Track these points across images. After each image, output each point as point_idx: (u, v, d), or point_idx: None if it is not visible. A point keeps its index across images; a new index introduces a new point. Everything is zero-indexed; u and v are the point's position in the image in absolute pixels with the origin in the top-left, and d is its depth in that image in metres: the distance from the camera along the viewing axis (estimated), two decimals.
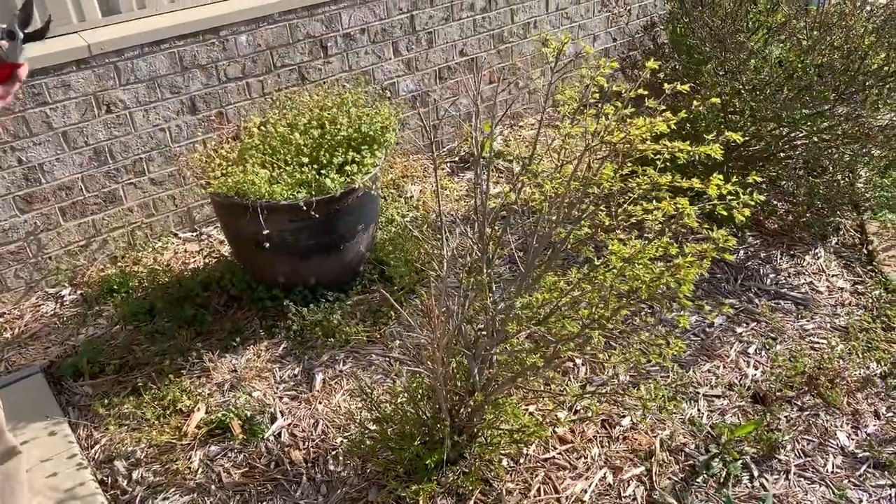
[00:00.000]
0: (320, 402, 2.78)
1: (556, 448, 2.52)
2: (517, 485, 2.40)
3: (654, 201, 2.10)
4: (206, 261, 3.53)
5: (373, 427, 2.48)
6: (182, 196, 3.77)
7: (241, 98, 3.74)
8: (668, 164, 2.04)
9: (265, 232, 2.80)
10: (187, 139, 3.66)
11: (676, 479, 2.40)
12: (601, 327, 1.95)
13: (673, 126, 1.98)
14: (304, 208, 2.79)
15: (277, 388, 2.86)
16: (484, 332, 2.35)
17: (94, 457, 2.62)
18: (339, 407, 2.75)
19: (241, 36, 3.62)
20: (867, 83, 3.00)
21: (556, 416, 2.62)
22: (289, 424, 2.69)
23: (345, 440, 2.59)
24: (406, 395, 2.34)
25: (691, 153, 1.84)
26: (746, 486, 2.36)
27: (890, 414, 2.60)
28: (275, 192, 2.78)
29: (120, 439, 2.67)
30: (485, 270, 2.41)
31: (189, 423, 2.69)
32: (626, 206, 2.12)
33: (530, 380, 2.32)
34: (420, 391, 2.34)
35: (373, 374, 2.88)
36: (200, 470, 2.54)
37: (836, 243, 3.55)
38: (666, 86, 2.02)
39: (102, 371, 3.00)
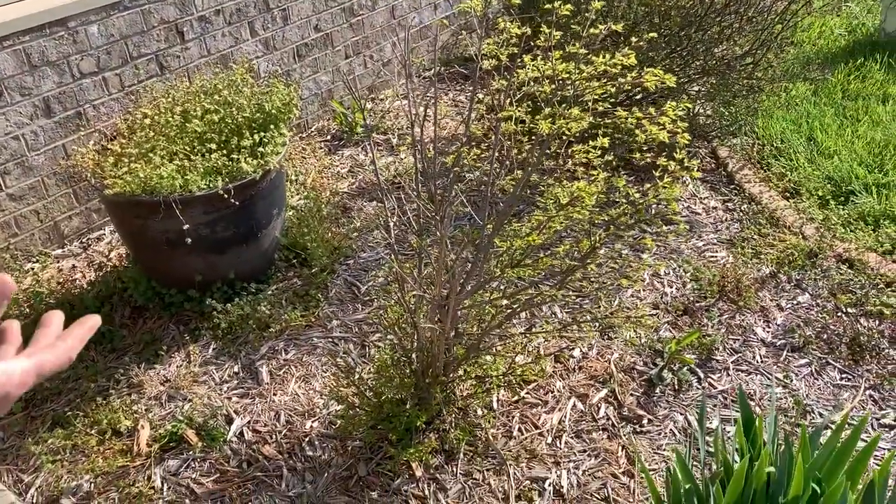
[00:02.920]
0: (274, 394, 2.67)
1: (522, 388, 2.62)
2: (498, 429, 2.48)
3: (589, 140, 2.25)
4: (96, 274, 3.22)
5: (355, 400, 2.43)
6: (47, 210, 3.40)
7: (99, 95, 3.42)
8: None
9: (185, 227, 2.62)
10: (46, 145, 3.30)
11: (638, 394, 2.59)
12: (584, 260, 2.06)
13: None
14: (225, 196, 2.64)
15: (221, 390, 2.71)
16: (448, 289, 2.38)
17: (33, 503, 2.35)
18: (297, 394, 2.66)
19: (92, 26, 3.31)
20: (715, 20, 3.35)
21: (512, 359, 2.72)
22: (248, 422, 2.57)
23: (316, 423, 2.52)
24: (393, 360, 2.32)
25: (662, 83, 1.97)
26: (697, 388, 2.61)
27: (789, 306, 2.96)
28: (189, 182, 2.61)
29: (59, 476, 2.41)
30: (440, 230, 2.43)
31: (138, 442, 2.48)
32: (570, 148, 2.23)
33: (504, 326, 2.39)
34: (405, 356, 2.33)
35: (320, 357, 2.81)
36: (166, 487, 2.36)
37: (697, 170, 3.93)
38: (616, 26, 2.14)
39: (9, 412, 2.66)
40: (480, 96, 4.39)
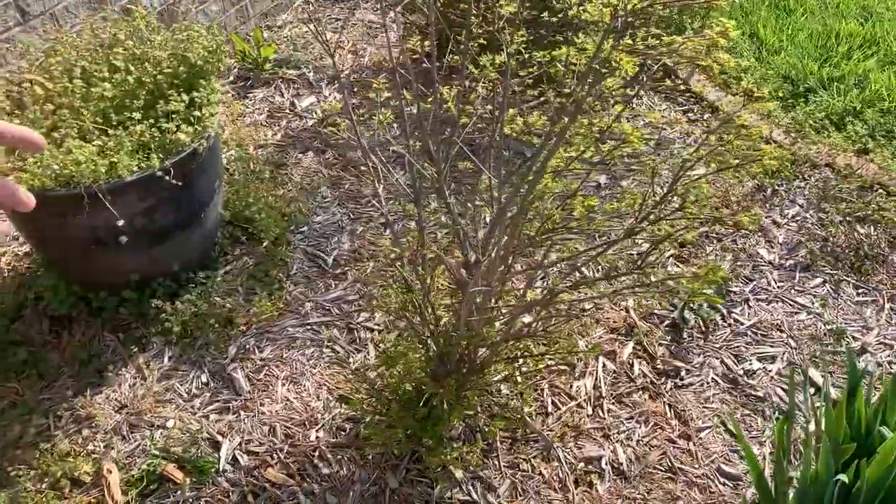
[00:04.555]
0: (261, 404, 2.26)
1: (551, 358, 2.35)
2: (531, 405, 2.21)
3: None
4: None
5: (367, 402, 2.08)
6: None
7: None
8: None
9: (120, 223, 2.10)
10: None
11: (666, 342, 2.39)
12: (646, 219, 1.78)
13: None
14: (165, 177, 2.13)
15: (194, 407, 2.27)
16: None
17: None
18: (289, 400, 2.27)
19: None
20: None
21: (522, 321, 2.43)
22: (240, 443, 2.16)
23: (322, 433, 2.16)
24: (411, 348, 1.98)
25: None
26: (725, 326, 2.44)
27: (784, 220, 2.83)
28: (119, 166, 2.07)
29: None
30: (445, 192, 2.06)
31: (109, 492, 2.03)
32: None
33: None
34: (421, 343, 1.99)
35: (303, 351, 2.41)
36: None
37: (646, 80, 3.70)
38: None
39: None
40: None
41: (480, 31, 2.16)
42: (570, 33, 1.84)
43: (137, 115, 2.18)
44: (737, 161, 1.68)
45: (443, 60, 2.03)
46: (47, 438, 2.18)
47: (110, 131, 2.18)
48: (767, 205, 2.90)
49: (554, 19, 2.00)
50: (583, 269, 2.59)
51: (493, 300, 1.92)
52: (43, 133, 2.15)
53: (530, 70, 2.02)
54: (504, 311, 1.88)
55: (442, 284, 2.13)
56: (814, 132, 3.18)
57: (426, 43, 2.00)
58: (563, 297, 1.83)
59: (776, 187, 2.96)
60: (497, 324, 1.96)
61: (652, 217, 1.76)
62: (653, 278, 2.46)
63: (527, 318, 2.40)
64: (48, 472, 2.08)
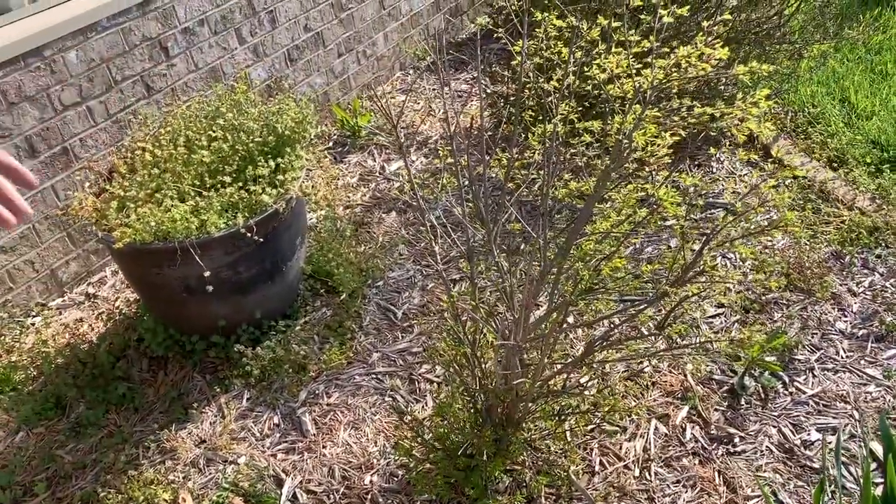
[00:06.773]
0: (324, 446, 2.42)
1: (595, 415, 2.39)
2: (578, 464, 2.25)
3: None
4: (105, 325, 2.94)
5: (417, 449, 2.19)
6: (42, 258, 3.10)
7: (85, 127, 3.11)
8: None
9: (206, 273, 2.35)
10: (32, 189, 2.99)
11: (723, 408, 2.38)
12: (679, 283, 1.83)
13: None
14: (248, 234, 2.37)
15: (264, 446, 2.46)
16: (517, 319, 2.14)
17: None
18: (349, 444, 2.42)
19: (70, 53, 2.99)
20: None
21: (579, 382, 2.49)
22: (300, 482, 2.32)
23: (376, 477, 2.28)
24: (461, 404, 2.09)
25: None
26: (786, 395, 2.40)
27: (861, 289, 2.75)
28: (207, 223, 2.33)
29: None
30: (494, 251, 2.18)
31: None
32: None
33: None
34: (469, 396, 2.09)
35: (366, 399, 2.57)
36: None
37: (730, 145, 3.71)
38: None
39: (30, 492, 2.41)
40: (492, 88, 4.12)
41: (531, 104, 2.30)
42: (618, 105, 1.95)
43: (228, 179, 2.46)
44: (766, 225, 1.72)
45: (498, 130, 2.18)
46: (135, 466, 2.42)
47: (204, 192, 2.46)
48: (844, 273, 2.83)
49: (596, 92, 2.11)
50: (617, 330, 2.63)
51: (526, 354, 2.01)
52: (148, 194, 2.46)
53: (582, 139, 2.14)
54: (533, 367, 1.96)
55: (494, 339, 2.24)
56: None
57: (504, 112, 2.14)
58: (595, 357, 1.89)
59: (855, 255, 2.88)
60: (531, 379, 2.04)
61: (676, 279, 1.80)
62: (694, 340, 2.46)
63: (584, 379, 2.46)
64: (132, 497, 2.31)
